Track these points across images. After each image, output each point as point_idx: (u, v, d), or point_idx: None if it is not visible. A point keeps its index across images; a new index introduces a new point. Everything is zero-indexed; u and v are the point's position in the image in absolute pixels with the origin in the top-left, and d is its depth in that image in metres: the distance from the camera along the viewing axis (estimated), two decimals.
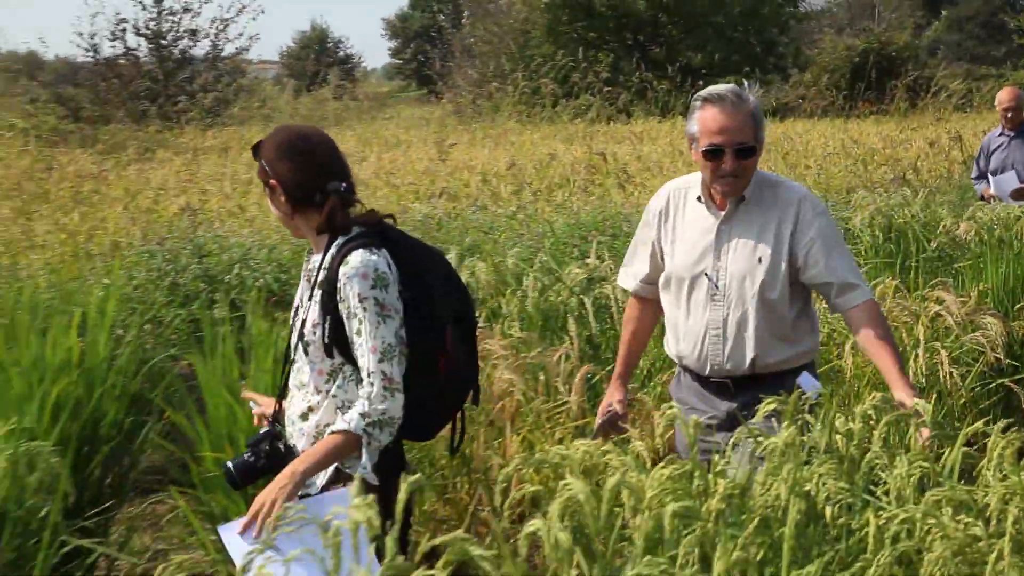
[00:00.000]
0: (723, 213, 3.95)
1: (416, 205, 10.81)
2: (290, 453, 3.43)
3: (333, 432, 3.24)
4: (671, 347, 4.19)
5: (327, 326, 3.32)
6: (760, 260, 3.91)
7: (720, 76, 33.60)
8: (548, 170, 14.56)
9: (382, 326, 3.26)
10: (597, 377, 5.58)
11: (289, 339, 3.60)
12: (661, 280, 4.13)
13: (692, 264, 3.98)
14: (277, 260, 8.21)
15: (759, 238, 3.93)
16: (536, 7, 33.46)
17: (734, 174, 3.84)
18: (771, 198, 3.96)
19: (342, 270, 3.28)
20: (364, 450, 3.23)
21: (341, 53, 60.34)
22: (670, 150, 17.56)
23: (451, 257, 6.36)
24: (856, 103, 30.05)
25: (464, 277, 6.27)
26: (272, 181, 3.42)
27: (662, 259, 4.13)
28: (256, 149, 3.48)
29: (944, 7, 57.82)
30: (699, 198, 3.99)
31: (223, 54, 28.93)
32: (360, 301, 3.25)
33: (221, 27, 28.47)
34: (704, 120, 3.84)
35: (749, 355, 3.95)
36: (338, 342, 3.34)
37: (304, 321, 3.41)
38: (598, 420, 4.28)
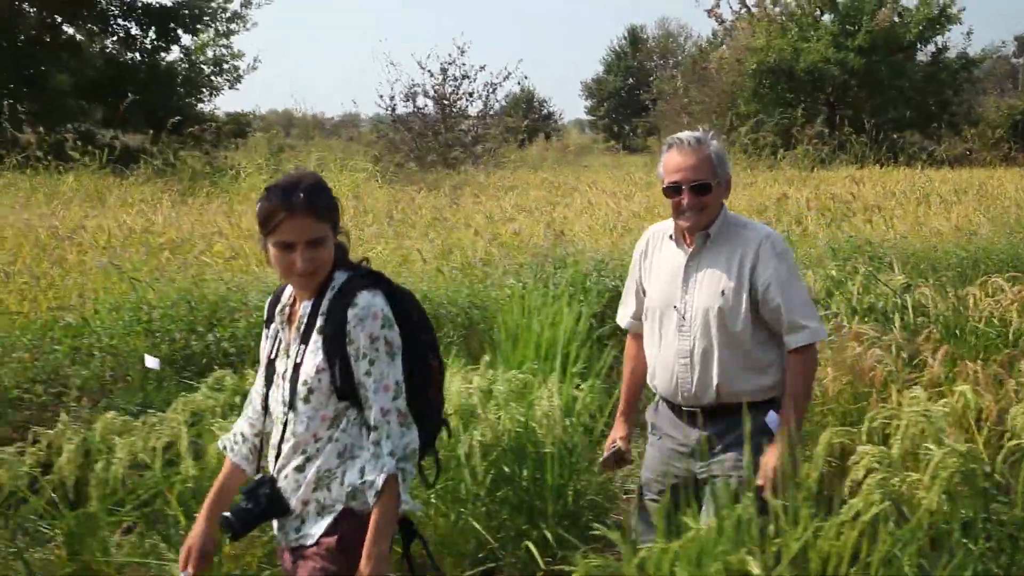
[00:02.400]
0: (691, 249, 3.83)
1: None
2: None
3: (375, 492, 2.95)
4: (649, 376, 4.03)
5: (337, 370, 3.01)
6: (723, 293, 3.75)
7: (901, 131, 33.99)
8: (783, 206, 15.31)
9: (392, 365, 3.01)
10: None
11: (266, 393, 3.20)
12: (644, 313, 4.01)
13: (663, 297, 3.87)
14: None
15: (724, 272, 3.78)
16: (744, 73, 34.11)
17: (692, 208, 3.72)
18: (736, 236, 3.81)
19: (351, 312, 2.99)
20: (402, 486, 2.99)
21: (545, 111, 61.75)
22: (882, 192, 18.07)
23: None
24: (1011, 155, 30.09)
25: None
26: (340, 229, 3.15)
27: (644, 295, 4.02)
28: (313, 205, 3.00)
29: None
30: (671, 237, 3.90)
31: (491, 112, 30.15)
32: (372, 341, 2.98)
33: (491, 90, 29.76)
34: (666, 162, 3.79)
35: (713, 384, 3.76)
36: (348, 385, 3.03)
37: (297, 369, 3.06)
38: (604, 455, 4.12)
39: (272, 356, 3.19)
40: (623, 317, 4.21)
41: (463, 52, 29.37)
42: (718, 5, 36.99)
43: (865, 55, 33.35)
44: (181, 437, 3.95)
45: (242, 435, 3.30)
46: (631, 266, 4.12)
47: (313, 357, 3.02)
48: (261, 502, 3.07)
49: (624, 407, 4.21)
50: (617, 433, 4.13)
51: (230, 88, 26.28)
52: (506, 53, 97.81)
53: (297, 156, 21.46)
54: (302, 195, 2.97)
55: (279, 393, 3.12)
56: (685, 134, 3.85)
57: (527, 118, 35.30)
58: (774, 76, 33.88)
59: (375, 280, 3.12)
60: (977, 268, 9.69)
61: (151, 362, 5.87)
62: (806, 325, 3.74)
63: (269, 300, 3.31)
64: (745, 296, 3.75)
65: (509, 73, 29.98)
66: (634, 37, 69.17)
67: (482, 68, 29.14)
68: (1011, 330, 6.71)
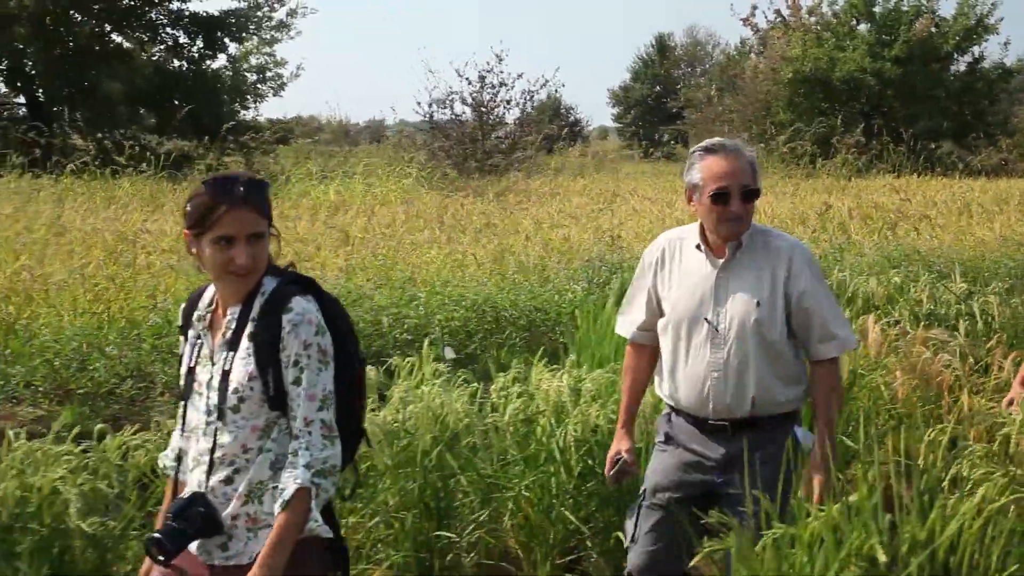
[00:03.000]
0: (721, 260, 3.71)
1: None
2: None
3: (282, 502, 2.80)
4: (664, 389, 3.91)
5: (270, 378, 2.87)
6: (759, 304, 3.65)
7: (937, 141, 34.02)
8: (826, 215, 15.42)
9: (322, 373, 2.89)
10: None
11: (184, 404, 3.05)
12: (659, 326, 3.86)
13: (693, 309, 3.72)
14: None
15: (757, 282, 3.68)
16: (780, 82, 34.19)
17: (739, 216, 3.63)
18: (763, 245, 3.73)
19: (286, 317, 2.86)
20: (313, 503, 2.82)
21: (572, 118, 61.90)
22: (923, 201, 18.13)
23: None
24: None
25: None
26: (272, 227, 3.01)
27: (658, 306, 3.87)
28: (253, 199, 2.91)
29: None
30: (698, 247, 3.75)
31: (528, 119, 30.32)
32: (305, 348, 2.86)
33: (529, 97, 29.93)
34: (709, 168, 3.64)
35: (750, 395, 3.67)
36: (281, 394, 2.89)
37: (226, 377, 2.90)
38: (609, 469, 3.99)
39: (192, 364, 3.00)
40: (627, 327, 4.02)
41: (501, 60, 29.53)
42: (753, 14, 37.14)
43: (902, 65, 33.36)
44: None
45: (181, 450, 3.10)
46: (638, 275, 3.97)
47: (244, 364, 2.89)
48: (196, 521, 2.86)
49: (626, 419, 4.04)
50: (622, 446, 3.97)
51: (274, 95, 26.63)
52: (531, 60, 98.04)
53: (345, 163, 21.69)
54: (243, 188, 2.88)
55: (202, 402, 2.95)
56: (721, 140, 3.76)
57: (552, 124, 35.32)
58: (809, 85, 33.95)
59: (307, 285, 3.01)
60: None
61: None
62: (837, 334, 3.72)
63: (183, 307, 3.15)
64: (781, 305, 3.67)
65: (547, 80, 30.15)
66: (662, 45, 69.33)
67: (519, 76, 29.25)
68: None
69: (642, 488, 3.95)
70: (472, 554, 4.61)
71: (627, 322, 4.02)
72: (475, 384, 4.98)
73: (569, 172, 28.28)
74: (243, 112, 27.02)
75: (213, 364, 2.95)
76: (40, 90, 23.82)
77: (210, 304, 3.04)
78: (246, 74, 26.29)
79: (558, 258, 10.95)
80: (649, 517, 3.85)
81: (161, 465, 3.20)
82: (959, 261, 10.32)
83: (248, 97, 26.53)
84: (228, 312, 2.95)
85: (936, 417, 5.24)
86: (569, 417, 4.64)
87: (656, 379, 4.00)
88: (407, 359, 5.32)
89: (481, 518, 4.55)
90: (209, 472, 2.91)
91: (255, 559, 2.80)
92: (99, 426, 4.00)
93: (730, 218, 3.63)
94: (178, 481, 3.09)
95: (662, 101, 61.72)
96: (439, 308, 8.05)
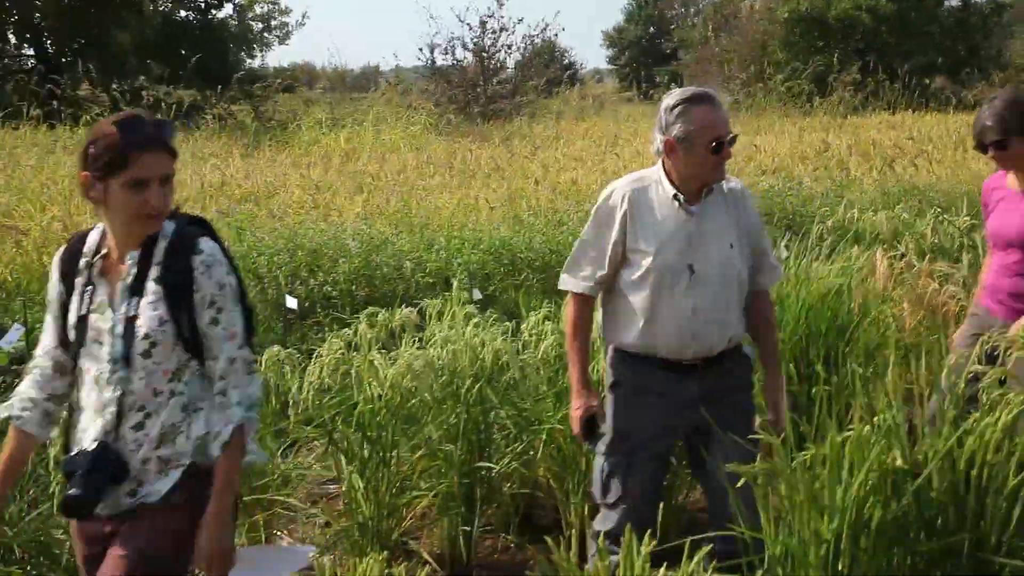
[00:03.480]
0: (694, 207, 3.65)
1: (763, 178, 12.05)
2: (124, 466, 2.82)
3: (222, 443, 2.80)
4: (634, 338, 3.72)
5: (184, 320, 2.80)
6: (731, 246, 3.67)
7: (930, 77, 33.96)
8: (826, 153, 15.54)
9: (236, 311, 2.85)
10: None
11: (76, 347, 2.88)
12: (634, 276, 3.67)
13: (674, 257, 3.62)
14: None
15: (726, 225, 3.69)
16: (776, 21, 34.11)
17: (724, 163, 3.65)
18: (718, 189, 3.72)
19: (198, 259, 2.79)
20: (249, 436, 2.86)
21: (566, 61, 61.80)
22: (920, 136, 18.24)
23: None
24: None
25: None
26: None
27: (622, 259, 3.71)
28: (165, 139, 2.82)
29: None
30: (675, 196, 3.64)
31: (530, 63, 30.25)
32: (220, 288, 2.80)
33: (529, 42, 29.85)
34: (702, 119, 3.55)
35: (729, 333, 3.70)
36: (196, 336, 2.83)
37: (132, 323, 2.79)
38: (580, 426, 3.78)
39: (83, 313, 2.85)
40: (580, 283, 3.78)
41: (501, 5, 29.45)
42: None
43: (896, 2, 33.29)
44: (359, 362, 4.34)
45: (31, 400, 2.96)
46: (598, 228, 3.73)
47: (153, 308, 2.78)
48: (108, 467, 2.76)
49: (584, 375, 3.82)
50: (590, 400, 3.76)
51: (280, 44, 26.60)
52: (524, 2, 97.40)
53: (356, 110, 21.73)
54: (154, 129, 2.78)
55: (103, 351, 2.82)
56: (703, 90, 3.65)
57: (551, 68, 35.12)
58: (805, 24, 33.85)
59: (206, 227, 2.93)
60: None
61: (291, 303, 6.25)
62: (776, 265, 3.87)
63: (62, 255, 2.96)
64: (744, 244, 3.71)
65: (547, 24, 30.15)
66: None
67: (520, 20, 29.09)
68: None
69: (611, 443, 3.79)
70: (509, 483, 4.82)
71: (580, 279, 3.78)
72: (507, 324, 5.14)
73: (570, 116, 28.28)
74: (249, 61, 27.03)
75: (114, 311, 2.82)
76: (49, 42, 23.81)
77: (97, 250, 2.90)
78: (251, 23, 26.24)
79: (566, 202, 11.06)
80: (643, 470, 3.75)
81: (3, 415, 2.99)
82: (958, 196, 10.50)
83: (254, 46, 26.53)
84: (128, 257, 2.82)
85: (944, 347, 5.41)
86: (599, 352, 4.79)
87: (614, 330, 3.80)
88: (436, 301, 5.51)
89: (518, 449, 4.73)
90: (119, 419, 2.80)
91: (164, 496, 2.80)
92: None
93: (722, 164, 3.62)
94: (23, 433, 2.94)
95: (656, 42, 61.38)
96: (457, 252, 8.21)
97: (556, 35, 48.64)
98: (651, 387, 3.72)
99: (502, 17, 28.93)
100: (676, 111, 3.55)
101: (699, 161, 3.57)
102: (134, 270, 2.81)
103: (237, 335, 2.84)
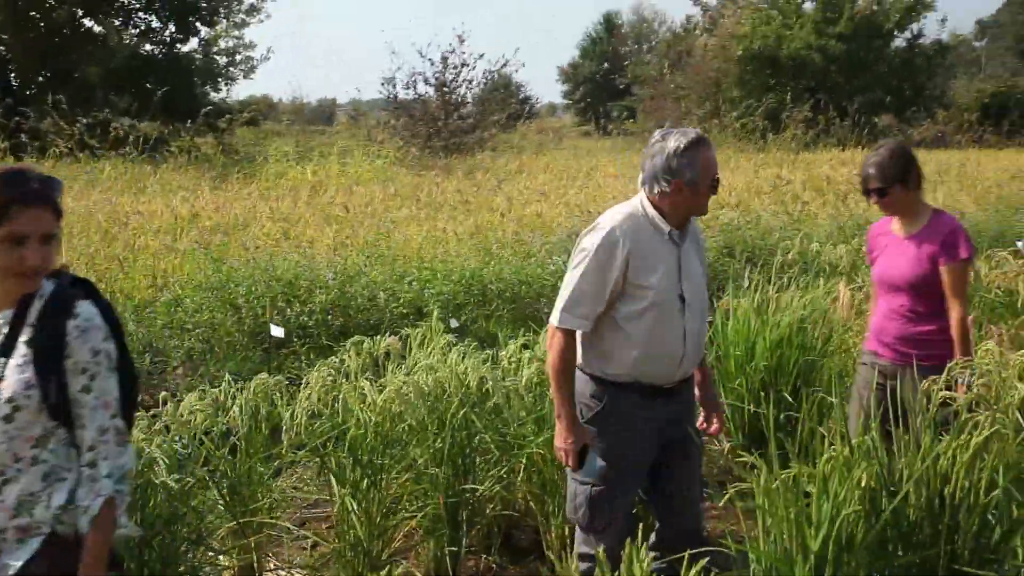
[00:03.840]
0: (680, 239, 3.84)
1: (724, 211, 12.25)
2: None
3: (91, 517, 2.66)
4: (627, 367, 3.82)
5: (52, 386, 2.64)
6: (704, 274, 3.94)
7: (877, 115, 34.65)
8: (781, 188, 15.83)
9: (111, 380, 2.71)
10: None
11: None
12: (635, 309, 3.76)
13: (670, 288, 3.77)
14: None
15: (697, 254, 3.92)
16: (730, 60, 34.70)
17: None
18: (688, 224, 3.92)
19: (72, 323, 2.66)
20: (120, 509, 2.71)
21: (522, 95, 62.23)
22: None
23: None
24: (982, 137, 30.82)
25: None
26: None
27: (620, 294, 3.77)
28: (48, 196, 2.69)
29: None
30: (670, 234, 3.78)
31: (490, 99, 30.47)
32: (94, 355, 2.67)
33: (490, 78, 30.06)
34: (708, 161, 3.73)
35: (701, 355, 3.96)
36: (64, 403, 2.67)
37: None
38: (578, 462, 3.80)
39: None
40: (579, 320, 3.79)
41: (462, 41, 29.70)
42: None
43: (845, 42, 34.03)
44: (349, 388, 4.43)
45: None
46: (600, 268, 3.73)
47: (20, 372, 2.63)
48: None
49: (574, 412, 3.83)
50: (584, 434, 3.81)
51: (244, 78, 26.61)
52: (482, 40, 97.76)
53: (321, 143, 21.81)
54: (38, 185, 2.66)
55: None
56: (698, 131, 3.81)
57: (512, 102, 35.29)
58: (758, 62, 34.51)
59: (87, 289, 2.80)
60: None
61: (276, 331, 6.30)
62: None
63: None
64: (706, 269, 3.99)
65: (507, 61, 30.39)
66: (609, 22, 69.88)
67: (481, 56, 29.30)
68: (1019, 299, 7.24)
69: (601, 471, 3.84)
70: (492, 505, 4.91)
71: (585, 315, 3.78)
72: (487, 351, 5.23)
73: (529, 150, 28.52)
74: (214, 95, 27.01)
75: None
76: (13, 74, 23.67)
77: None
78: (216, 57, 26.24)
79: (532, 234, 11.20)
80: (629, 493, 3.93)
81: None
82: None
83: (219, 80, 26.52)
84: (0, 316, 2.69)
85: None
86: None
87: (601, 361, 3.86)
88: (416, 330, 5.60)
89: (500, 472, 4.83)
90: None
91: (23, 566, 2.65)
92: (162, 394, 4.25)
93: (705, 203, 3.83)
94: None
95: (611, 77, 62.02)
96: (429, 283, 8.30)
97: (517, 71, 49.13)
98: (636, 413, 3.82)
99: (463, 53, 29.17)
100: (686, 155, 3.69)
101: (700, 200, 3.78)
102: (5, 330, 2.66)
103: (111, 404, 2.69)
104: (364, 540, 4.24)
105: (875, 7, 34.85)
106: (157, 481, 3.54)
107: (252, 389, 4.65)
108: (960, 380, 3.85)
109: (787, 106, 27.58)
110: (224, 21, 26.04)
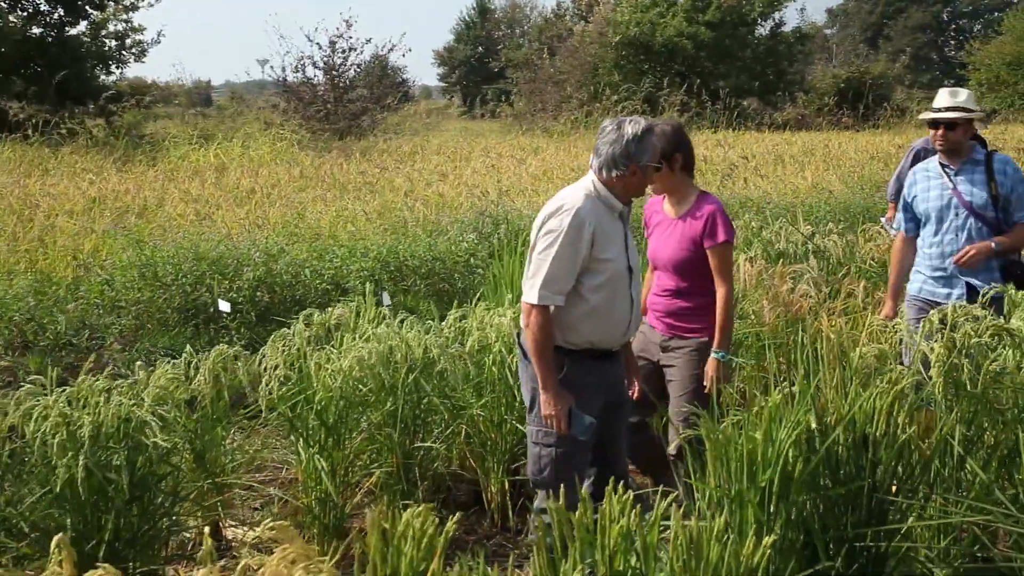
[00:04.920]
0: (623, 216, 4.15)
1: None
2: None
3: None
4: (585, 335, 4.07)
5: None
6: (636, 247, 4.21)
7: (743, 99, 35.69)
8: None
9: None
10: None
11: None
12: (596, 282, 4.01)
13: (624, 261, 4.09)
14: None
15: (627, 228, 4.18)
16: (605, 45, 35.27)
17: None
18: None
19: None
20: None
21: (399, 79, 62.07)
22: (743, 152, 19.26)
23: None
24: (840, 120, 32.06)
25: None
26: None
27: (585, 270, 4.01)
28: None
29: (881, 42, 60.24)
30: (620, 213, 4.10)
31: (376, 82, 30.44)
32: None
33: (379, 62, 30.04)
34: (655, 147, 4.09)
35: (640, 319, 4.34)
36: None
37: None
38: (567, 423, 4.03)
39: None
40: (555, 296, 4.00)
41: (350, 26, 29.59)
42: None
43: (714, 29, 34.88)
44: (318, 356, 4.62)
45: None
46: (571, 245, 3.95)
47: None
48: None
49: (557, 381, 4.04)
50: (569, 402, 4.05)
51: (135, 61, 25.99)
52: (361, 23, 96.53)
53: (230, 127, 21.56)
54: None
55: None
56: (647, 119, 4.14)
57: (394, 86, 35.24)
58: (633, 48, 35.12)
59: None
60: (838, 220, 10.66)
61: (224, 306, 6.39)
62: None
63: None
64: None
65: (394, 45, 30.39)
66: (482, 7, 69.96)
67: (368, 40, 29.18)
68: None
69: (591, 426, 4.09)
70: (438, 463, 5.15)
71: (560, 291, 3.98)
72: (428, 323, 5.44)
73: (420, 132, 28.65)
74: (106, 78, 26.35)
75: None
76: None
77: None
78: (105, 40, 25.54)
79: (436, 212, 11.40)
80: (588, 450, 4.16)
81: None
82: (784, 206, 11.27)
83: (110, 63, 25.84)
84: None
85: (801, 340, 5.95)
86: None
87: (562, 330, 4.05)
88: (351, 303, 5.76)
89: (447, 433, 5.08)
90: None
91: None
92: (137, 362, 4.36)
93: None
94: None
95: (484, 61, 62.18)
96: (347, 260, 8.45)
97: (404, 55, 48.96)
98: (589, 378, 4.10)
99: (351, 37, 29.06)
100: (643, 142, 3.99)
101: (647, 181, 4.14)
102: None
103: None
104: (334, 495, 4.43)
105: None
106: (148, 442, 3.68)
107: (212, 359, 4.79)
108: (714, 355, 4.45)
109: (664, 90, 28.22)
110: (113, 4, 25.35)
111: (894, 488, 3.31)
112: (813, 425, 3.25)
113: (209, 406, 4.60)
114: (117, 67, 25.88)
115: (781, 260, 7.41)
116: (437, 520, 2.89)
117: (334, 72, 28.83)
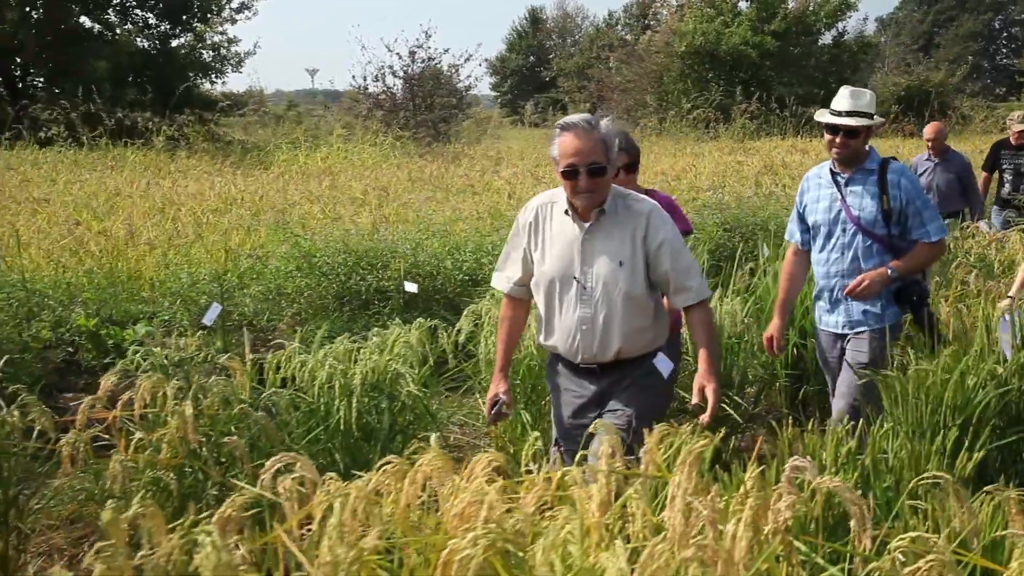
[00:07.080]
0: (587, 224, 3.76)
1: (707, 193, 12.99)
2: None
3: None
4: (543, 339, 4.00)
5: None
6: (621, 264, 3.73)
7: (808, 107, 35.76)
8: (741, 171, 16.66)
9: None
10: None
11: None
12: (533, 282, 3.92)
13: (561, 268, 3.79)
14: None
15: (620, 244, 3.74)
16: (671, 55, 35.64)
17: (589, 190, 3.66)
18: (624, 209, 3.77)
19: None
20: None
21: (469, 87, 62.40)
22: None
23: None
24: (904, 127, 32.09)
25: None
26: None
27: (532, 264, 3.91)
28: None
29: (932, 51, 59.91)
30: (566, 211, 3.80)
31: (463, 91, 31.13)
32: None
33: (455, 71, 30.64)
34: (562, 145, 3.66)
35: (615, 346, 3.79)
36: None
37: None
38: (488, 410, 4.01)
39: None
40: (503, 282, 4.04)
41: (429, 36, 30.25)
42: None
43: (779, 39, 35.13)
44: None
45: None
46: (513, 235, 3.97)
47: None
48: None
49: (503, 363, 4.07)
50: (499, 388, 4.00)
51: (233, 71, 26.98)
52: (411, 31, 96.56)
53: (320, 131, 22.28)
54: None
55: None
56: (577, 117, 3.73)
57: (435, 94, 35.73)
58: (699, 57, 35.45)
59: None
60: None
61: (410, 287, 6.96)
62: (690, 286, 3.80)
63: None
64: (641, 263, 3.75)
65: (471, 55, 30.94)
66: (534, 17, 70.21)
67: (446, 51, 29.71)
68: (993, 265, 8.08)
69: (554, 439, 4.09)
70: None
71: (503, 278, 4.04)
72: None
73: (490, 137, 29.18)
74: (210, 87, 27.43)
75: None
76: (18, 71, 23.84)
77: None
78: (202, 51, 26.52)
79: None
80: (569, 452, 3.88)
81: None
82: None
83: (212, 74, 26.84)
84: None
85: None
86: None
87: (539, 331, 4.05)
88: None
89: None
90: None
91: None
92: (374, 328, 4.97)
93: (579, 191, 3.68)
94: None
95: (536, 70, 62.41)
96: (479, 253, 8.97)
97: (480, 64, 49.95)
98: (560, 383, 4.01)
99: (429, 48, 29.70)
100: (553, 134, 3.75)
101: (563, 184, 3.75)
102: None
103: None
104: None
105: (809, 8, 36.03)
106: (403, 391, 4.27)
107: (416, 328, 5.36)
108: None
109: (736, 99, 28.58)
110: (215, 17, 26.33)
111: None
112: (1000, 371, 3.74)
113: (418, 367, 5.18)
114: (217, 76, 26.84)
115: None
116: None
117: (414, 81, 29.44)
